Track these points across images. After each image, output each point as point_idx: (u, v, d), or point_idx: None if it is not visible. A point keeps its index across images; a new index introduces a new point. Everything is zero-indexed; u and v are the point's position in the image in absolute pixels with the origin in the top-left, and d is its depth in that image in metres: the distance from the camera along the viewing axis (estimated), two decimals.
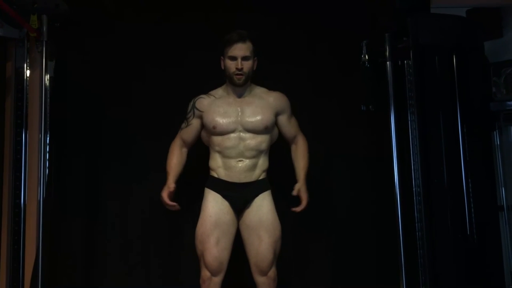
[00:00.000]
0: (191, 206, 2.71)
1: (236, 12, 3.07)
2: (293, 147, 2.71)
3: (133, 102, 3.03)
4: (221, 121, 2.57)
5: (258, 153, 2.59)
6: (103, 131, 3.01)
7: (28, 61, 2.97)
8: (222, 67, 2.64)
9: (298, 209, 2.57)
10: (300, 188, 2.58)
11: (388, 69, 2.92)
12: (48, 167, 2.89)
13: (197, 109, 2.63)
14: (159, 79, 3.04)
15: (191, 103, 2.66)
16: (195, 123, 2.63)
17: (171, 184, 2.55)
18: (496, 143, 3.09)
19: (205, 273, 2.50)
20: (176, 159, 2.62)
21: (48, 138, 2.89)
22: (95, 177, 2.99)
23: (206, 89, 2.72)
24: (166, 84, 3.03)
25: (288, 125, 2.68)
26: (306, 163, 2.66)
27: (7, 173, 2.93)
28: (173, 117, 2.90)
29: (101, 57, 3.05)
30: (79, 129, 3.01)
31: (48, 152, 2.90)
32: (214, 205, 2.55)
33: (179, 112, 2.78)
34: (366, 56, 2.98)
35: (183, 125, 2.66)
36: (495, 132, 3.05)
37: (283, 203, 2.64)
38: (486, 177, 2.97)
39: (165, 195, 2.54)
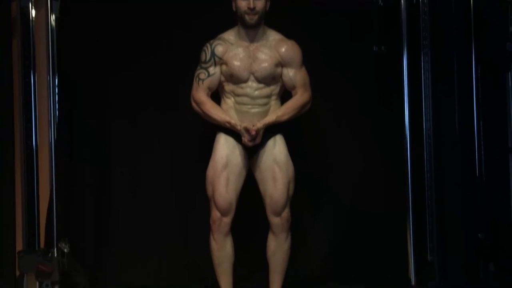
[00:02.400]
0: (203, 152, 2.71)
1: None
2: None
3: (144, 36, 2.97)
4: (237, 70, 2.53)
5: (270, 99, 2.58)
6: (112, 71, 2.97)
7: (33, 0, 2.91)
8: (234, 9, 2.56)
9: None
10: (258, 126, 2.47)
11: (402, 8, 2.84)
12: (58, 109, 2.90)
13: (218, 57, 2.57)
14: (169, 29, 2.97)
15: (208, 50, 2.57)
16: (217, 71, 2.58)
17: (243, 124, 2.47)
18: (509, 84, 3.04)
19: (215, 214, 2.55)
20: (219, 108, 2.56)
21: (56, 80, 2.88)
22: (105, 117, 2.98)
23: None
24: (177, 36, 2.97)
25: (290, 78, 2.58)
26: (285, 115, 2.53)
27: (18, 115, 2.94)
28: (183, 67, 2.86)
29: None
30: (88, 70, 2.97)
31: (58, 94, 2.89)
32: (226, 148, 2.56)
33: (190, 63, 2.73)
34: None
35: (203, 75, 2.57)
36: (509, 73, 2.98)
37: (293, 146, 2.65)
38: (498, 119, 2.94)
39: (248, 138, 2.47)
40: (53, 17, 2.88)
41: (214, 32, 2.78)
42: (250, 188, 2.62)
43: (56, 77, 2.88)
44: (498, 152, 2.93)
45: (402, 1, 2.83)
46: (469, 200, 2.86)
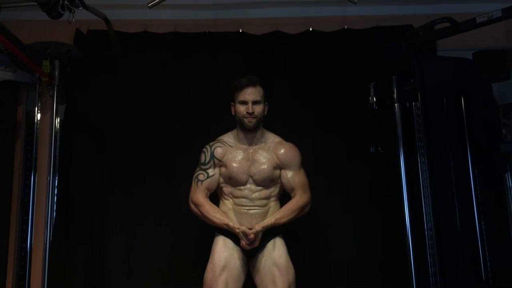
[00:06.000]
0: (200, 253, 2.66)
1: (243, 50, 3.12)
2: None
3: (141, 144, 3.02)
4: (236, 172, 2.55)
5: (269, 201, 2.58)
6: (111, 174, 2.99)
7: (39, 105, 3.02)
8: (233, 113, 2.64)
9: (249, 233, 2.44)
10: (256, 230, 2.45)
11: (396, 110, 2.93)
12: (56, 210, 2.88)
13: (217, 159, 2.60)
14: (166, 121, 3.05)
15: (208, 152, 2.62)
16: (217, 172, 2.60)
17: (241, 228, 2.45)
18: (508, 185, 3.05)
19: None
20: (217, 210, 2.55)
21: (56, 181, 2.89)
22: (101, 220, 2.94)
23: (211, 127, 2.72)
24: (173, 126, 3.04)
25: (289, 181, 2.60)
26: (283, 218, 2.50)
27: (15, 216, 2.92)
28: (179, 157, 2.94)
29: (110, 100, 3.06)
30: (86, 171, 2.99)
31: (56, 195, 2.89)
32: (225, 250, 2.50)
33: (185, 151, 2.82)
34: (374, 98, 3.00)
35: (202, 176, 2.59)
36: (506, 174, 3.01)
37: (293, 248, 2.59)
38: (500, 219, 2.91)
39: (246, 241, 2.44)
40: (57, 120, 2.96)
41: (211, 103, 2.95)
42: None
43: (56, 178, 2.89)
44: (502, 252, 2.87)
45: (396, 105, 2.92)
46: None
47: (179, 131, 3.02)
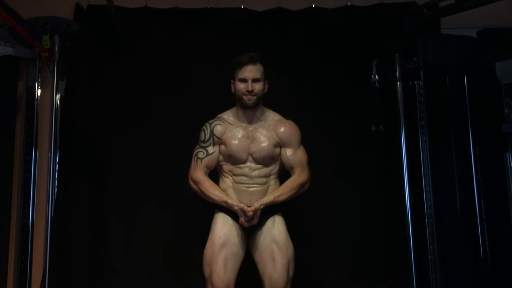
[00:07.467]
0: (200, 230, 2.67)
1: (247, 30, 3.10)
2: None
3: (142, 120, 3.02)
4: (236, 150, 2.55)
5: (269, 179, 2.58)
6: (111, 150, 3.00)
7: (39, 80, 3.00)
8: (233, 90, 2.62)
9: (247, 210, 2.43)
10: (255, 207, 2.44)
11: (398, 89, 2.92)
12: (57, 186, 2.89)
13: (217, 136, 2.59)
14: (168, 98, 3.04)
15: (207, 129, 2.61)
16: (216, 150, 2.59)
17: (240, 205, 2.45)
18: (508, 165, 3.05)
19: None
20: (216, 187, 2.54)
21: (58, 157, 2.90)
22: (103, 196, 2.96)
23: (213, 110, 2.70)
24: (174, 104, 3.03)
25: (288, 158, 2.58)
26: (282, 195, 2.50)
27: (16, 192, 2.93)
28: (180, 137, 2.92)
29: (111, 76, 3.05)
30: (88, 147, 2.99)
31: (58, 171, 2.90)
32: (224, 227, 2.51)
33: (187, 132, 2.78)
34: (376, 76, 2.98)
35: (201, 154, 2.58)
36: (507, 153, 3.00)
37: (294, 228, 2.59)
38: (499, 199, 2.92)
39: (245, 218, 2.43)
40: (58, 96, 2.95)
41: (212, 89, 2.93)
42: (248, 269, 2.54)
43: (58, 154, 2.90)
44: (502, 231, 2.89)
45: (398, 83, 2.90)
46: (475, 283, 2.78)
47: (180, 107, 3.01)
